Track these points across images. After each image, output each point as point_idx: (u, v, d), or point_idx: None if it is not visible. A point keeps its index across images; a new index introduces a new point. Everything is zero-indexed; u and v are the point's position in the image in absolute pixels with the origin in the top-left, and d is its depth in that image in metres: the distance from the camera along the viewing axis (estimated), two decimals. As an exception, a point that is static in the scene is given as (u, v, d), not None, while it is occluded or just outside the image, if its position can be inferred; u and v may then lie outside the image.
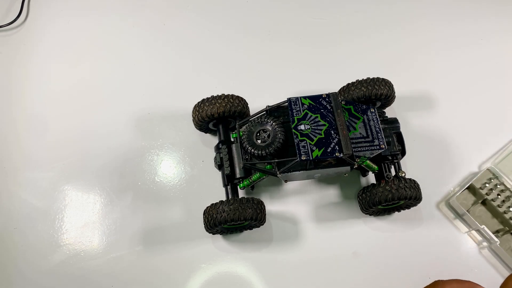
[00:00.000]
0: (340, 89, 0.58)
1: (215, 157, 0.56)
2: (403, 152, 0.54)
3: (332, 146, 0.47)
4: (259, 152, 0.48)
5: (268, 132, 0.50)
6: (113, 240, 0.58)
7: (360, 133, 0.50)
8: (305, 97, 0.50)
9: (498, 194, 0.56)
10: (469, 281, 0.36)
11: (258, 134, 0.50)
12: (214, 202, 0.52)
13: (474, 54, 0.70)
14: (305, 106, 0.50)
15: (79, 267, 0.57)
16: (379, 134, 0.50)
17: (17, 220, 0.60)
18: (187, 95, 0.61)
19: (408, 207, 0.55)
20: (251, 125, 0.51)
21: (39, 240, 0.58)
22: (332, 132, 0.48)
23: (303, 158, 0.46)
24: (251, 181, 0.53)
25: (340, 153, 0.46)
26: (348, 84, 0.57)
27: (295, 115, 0.49)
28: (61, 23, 0.75)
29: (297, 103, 0.50)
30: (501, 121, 0.64)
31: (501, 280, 0.55)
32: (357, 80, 0.56)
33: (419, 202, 0.53)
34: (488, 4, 0.74)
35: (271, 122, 0.49)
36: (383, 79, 0.56)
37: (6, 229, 0.59)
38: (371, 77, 0.56)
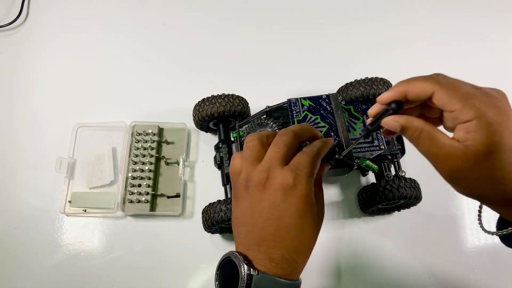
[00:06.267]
0: (339, 89, 0.58)
1: (215, 156, 0.57)
2: (402, 151, 0.54)
3: (332, 148, 0.47)
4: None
5: (268, 133, 0.49)
6: (113, 240, 0.58)
7: (360, 134, 0.50)
8: (305, 98, 0.50)
9: None
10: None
11: (258, 135, 0.50)
12: (212, 202, 0.52)
13: (474, 53, 0.70)
14: (305, 107, 0.49)
15: (79, 267, 0.57)
16: (378, 135, 0.50)
17: (17, 220, 0.60)
18: (187, 95, 0.61)
19: (408, 206, 0.55)
20: (251, 127, 0.50)
21: (39, 240, 0.58)
22: (332, 133, 0.48)
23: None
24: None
25: (340, 155, 0.46)
26: (347, 83, 0.57)
27: (295, 116, 0.49)
28: (61, 23, 0.75)
29: (297, 104, 0.50)
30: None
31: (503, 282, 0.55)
32: (355, 80, 0.56)
33: (419, 202, 0.53)
34: (489, 1, 0.74)
35: (271, 123, 0.49)
36: (381, 79, 0.56)
37: (6, 229, 0.59)
38: (369, 77, 0.56)
